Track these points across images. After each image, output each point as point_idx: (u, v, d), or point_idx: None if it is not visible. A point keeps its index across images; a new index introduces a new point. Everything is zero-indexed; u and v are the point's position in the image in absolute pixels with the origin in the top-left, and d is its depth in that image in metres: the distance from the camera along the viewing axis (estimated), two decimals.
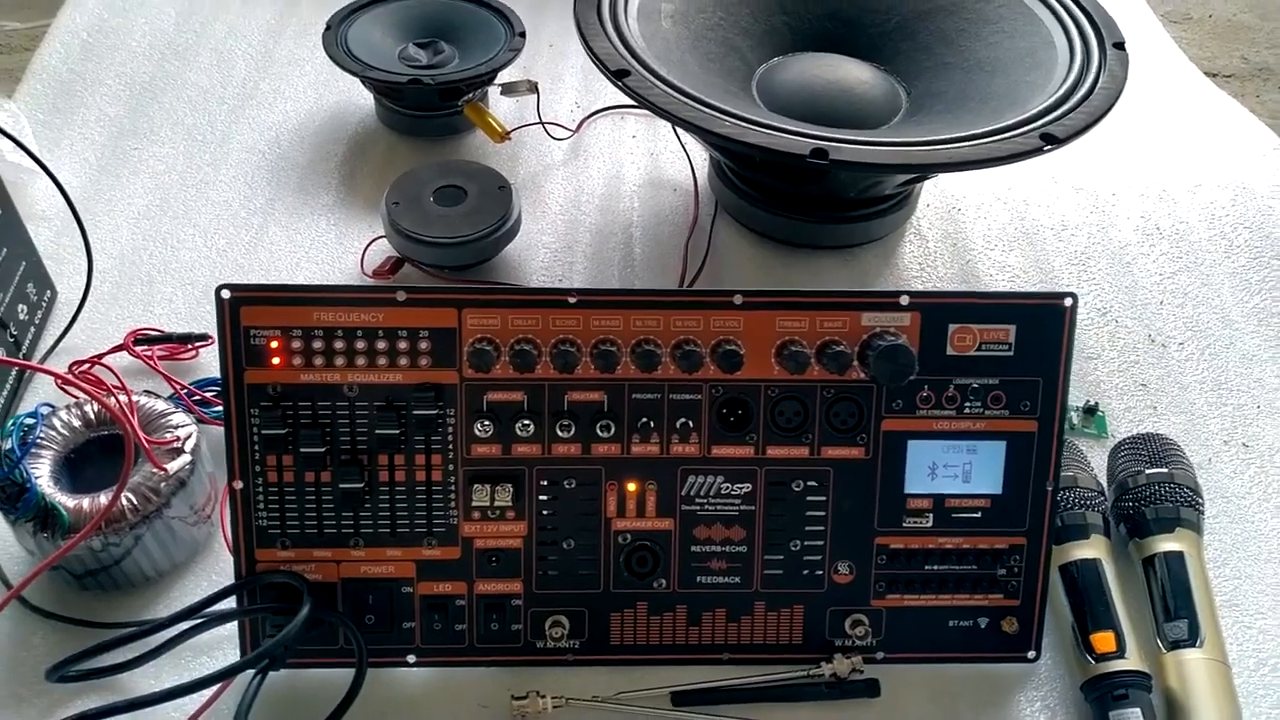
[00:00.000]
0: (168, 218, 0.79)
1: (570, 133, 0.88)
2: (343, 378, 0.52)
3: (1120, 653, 0.53)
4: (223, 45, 0.97)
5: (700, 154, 0.85)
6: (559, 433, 0.52)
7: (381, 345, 0.51)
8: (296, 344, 0.51)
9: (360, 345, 0.51)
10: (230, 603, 0.53)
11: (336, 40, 0.85)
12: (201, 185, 0.83)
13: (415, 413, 0.51)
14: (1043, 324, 0.52)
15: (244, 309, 0.51)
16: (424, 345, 0.51)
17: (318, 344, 0.51)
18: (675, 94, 0.66)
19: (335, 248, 0.77)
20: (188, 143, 0.86)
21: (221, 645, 0.55)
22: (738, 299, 0.52)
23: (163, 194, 0.81)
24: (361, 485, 0.52)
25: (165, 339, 0.69)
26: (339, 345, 0.51)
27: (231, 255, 0.77)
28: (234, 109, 0.90)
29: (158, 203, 0.81)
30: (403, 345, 0.51)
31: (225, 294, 0.51)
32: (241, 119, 0.89)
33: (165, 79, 0.92)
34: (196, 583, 0.58)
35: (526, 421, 0.52)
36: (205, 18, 1.00)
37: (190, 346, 0.69)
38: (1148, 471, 0.60)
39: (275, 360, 0.51)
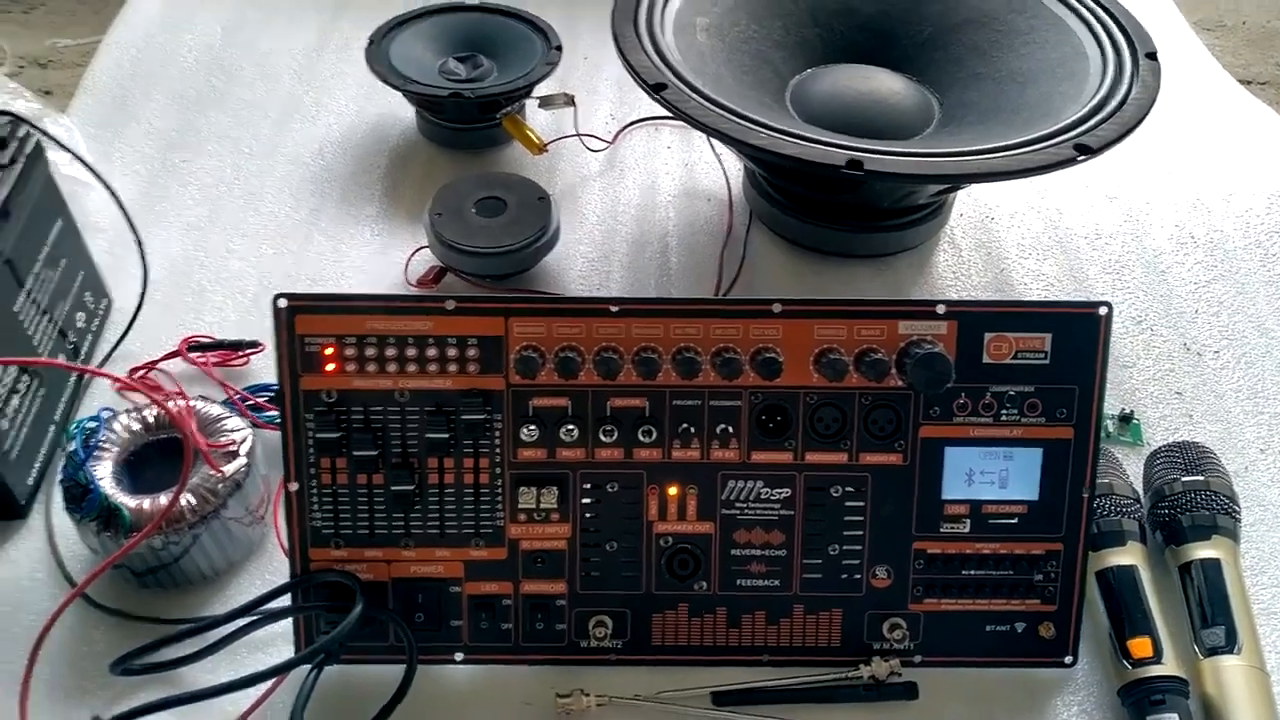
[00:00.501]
0: (217, 228, 0.82)
1: (606, 144, 0.90)
2: (394, 384, 0.53)
3: (1157, 658, 0.53)
4: (268, 60, 0.99)
5: (734, 164, 0.86)
6: (602, 437, 0.54)
7: (431, 352, 0.53)
8: (350, 351, 0.53)
9: (411, 352, 0.53)
10: (285, 600, 0.55)
11: (378, 55, 0.87)
12: (249, 196, 0.85)
13: (464, 417, 0.53)
14: (1078, 332, 0.53)
15: (299, 317, 0.53)
16: (472, 352, 0.53)
17: (370, 351, 0.53)
18: (711, 106, 0.67)
19: (379, 257, 0.79)
20: (235, 155, 0.89)
21: (275, 642, 0.56)
22: (776, 307, 0.53)
23: (212, 205, 0.84)
24: (412, 488, 0.54)
25: (217, 346, 0.71)
26: (390, 352, 0.53)
27: (280, 264, 0.79)
28: (279, 122, 0.92)
29: (207, 214, 0.83)
30: (452, 352, 0.53)
31: (282, 303, 0.53)
32: (287, 132, 0.91)
33: (213, 93, 0.95)
34: (251, 581, 0.60)
35: (571, 426, 0.54)
36: (251, 33, 1.02)
37: (242, 353, 0.71)
38: (1184, 479, 0.60)
39: (329, 367, 0.53)
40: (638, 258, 0.81)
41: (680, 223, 0.84)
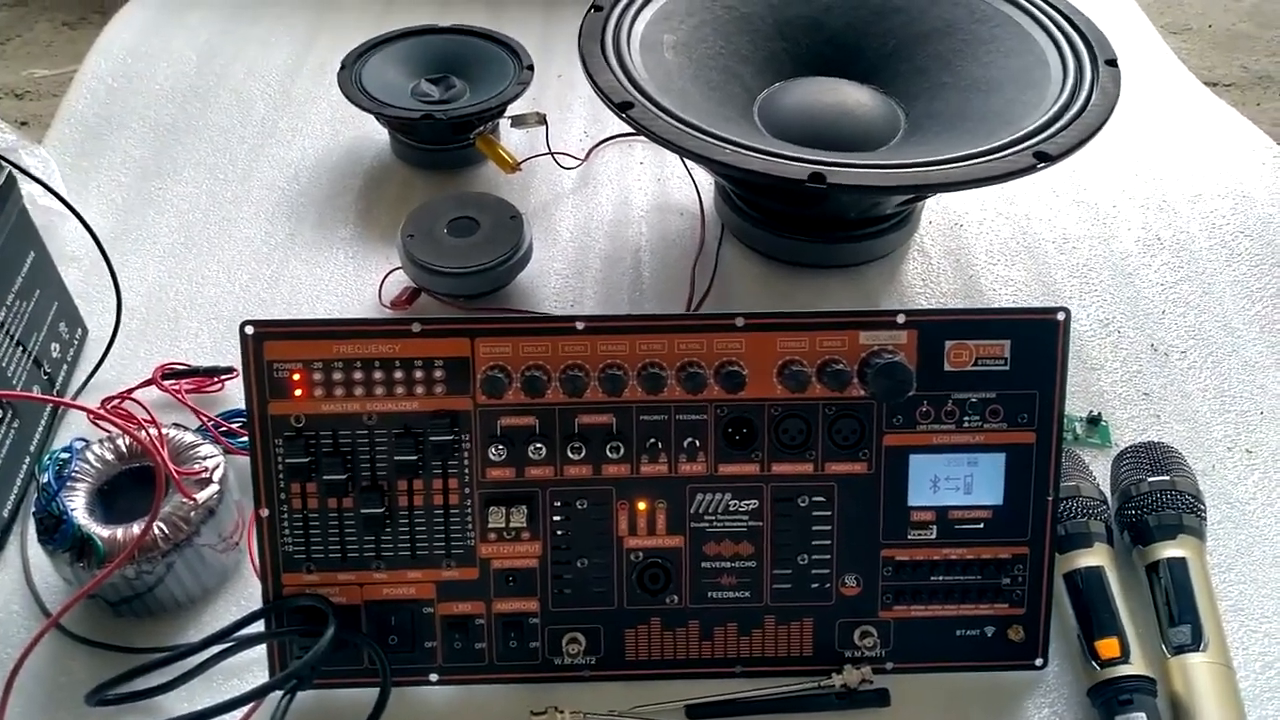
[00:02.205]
0: (193, 255, 0.82)
1: (579, 161, 0.91)
2: (362, 407, 0.54)
3: (1125, 658, 0.54)
4: (242, 86, 1.00)
5: (706, 179, 0.87)
6: (570, 455, 0.54)
7: (399, 375, 0.53)
8: (318, 376, 0.53)
9: (378, 375, 0.53)
10: (259, 626, 0.56)
11: (351, 79, 0.88)
12: (224, 222, 0.85)
13: (432, 439, 0.54)
14: (1037, 338, 0.54)
15: (267, 343, 0.53)
16: (439, 374, 0.53)
17: (338, 375, 0.53)
18: (677, 124, 0.68)
19: (354, 280, 0.80)
20: (210, 181, 0.89)
21: (251, 667, 0.57)
22: (739, 321, 0.54)
23: (187, 232, 0.84)
24: (382, 510, 0.54)
25: (192, 372, 0.71)
26: (358, 376, 0.53)
27: (254, 290, 0.80)
28: (254, 147, 0.93)
29: (183, 240, 0.84)
30: (419, 374, 0.53)
31: (249, 329, 0.53)
32: (261, 157, 0.92)
33: (188, 120, 0.96)
34: (226, 607, 0.61)
35: (538, 445, 0.54)
36: (225, 60, 1.03)
37: (216, 379, 0.71)
38: (1149, 479, 0.61)
39: (298, 392, 0.54)
40: (611, 273, 0.82)
41: (653, 237, 0.85)
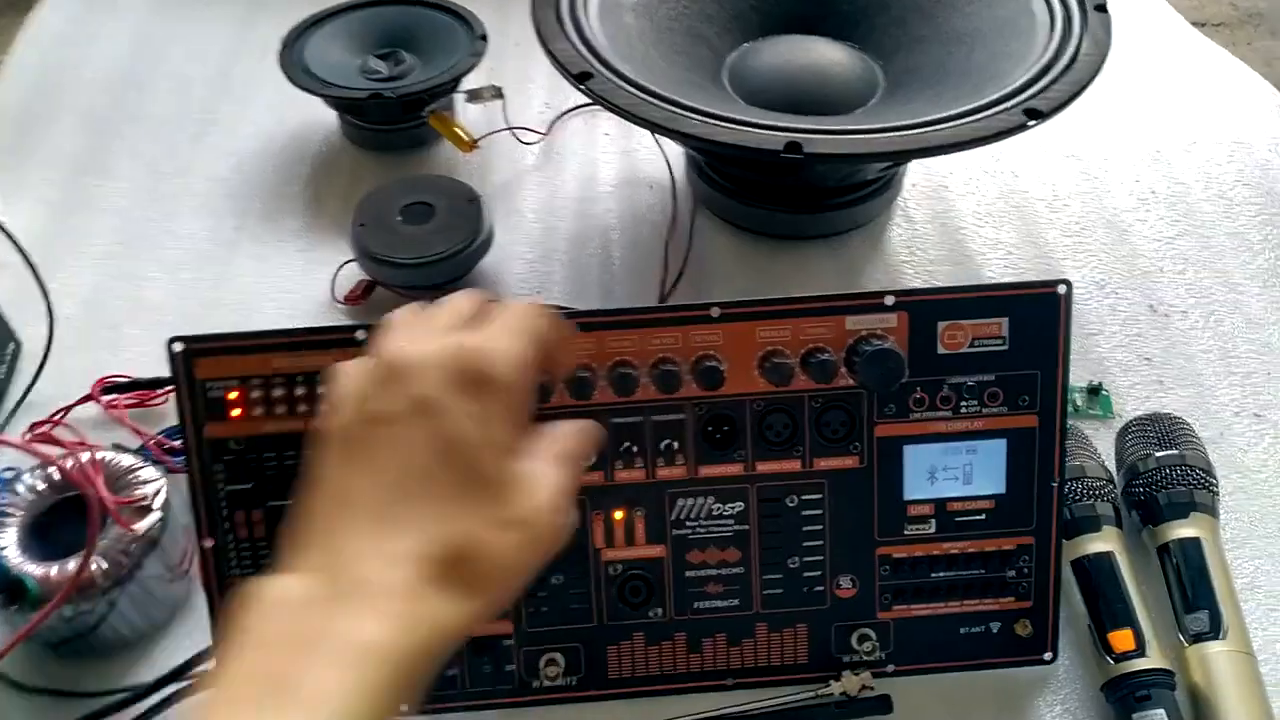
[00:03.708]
0: (131, 256, 0.77)
1: (541, 136, 0.86)
2: (307, 425, 0.49)
3: (1140, 651, 0.51)
4: (179, 70, 0.94)
5: (676, 149, 0.82)
6: None
7: None
8: (256, 394, 0.49)
9: (322, 390, 0.49)
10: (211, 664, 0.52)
11: (293, 58, 0.82)
12: (165, 219, 0.80)
13: None
14: (1037, 314, 0.50)
15: (198, 361, 0.49)
16: None
17: (278, 392, 0.49)
18: (640, 94, 0.63)
19: (305, 275, 0.75)
20: (149, 176, 0.84)
21: None
22: (715, 311, 0.49)
23: (125, 232, 0.79)
24: None
25: (134, 385, 0.66)
26: (300, 392, 0.49)
27: (199, 292, 0.75)
28: (195, 137, 0.87)
29: (120, 241, 0.78)
30: None
31: (177, 347, 0.49)
32: (203, 147, 0.86)
33: (123, 111, 0.90)
34: (179, 642, 0.56)
35: None
36: (160, 45, 0.97)
37: (160, 392, 0.66)
38: (1157, 454, 0.57)
39: (235, 412, 0.49)
40: (579, 255, 0.77)
41: (622, 214, 0.80)
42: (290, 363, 0.49)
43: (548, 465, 0.40)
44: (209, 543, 0.50)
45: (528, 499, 0.38)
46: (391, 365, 0.38)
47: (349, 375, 0.40)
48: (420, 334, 0.40)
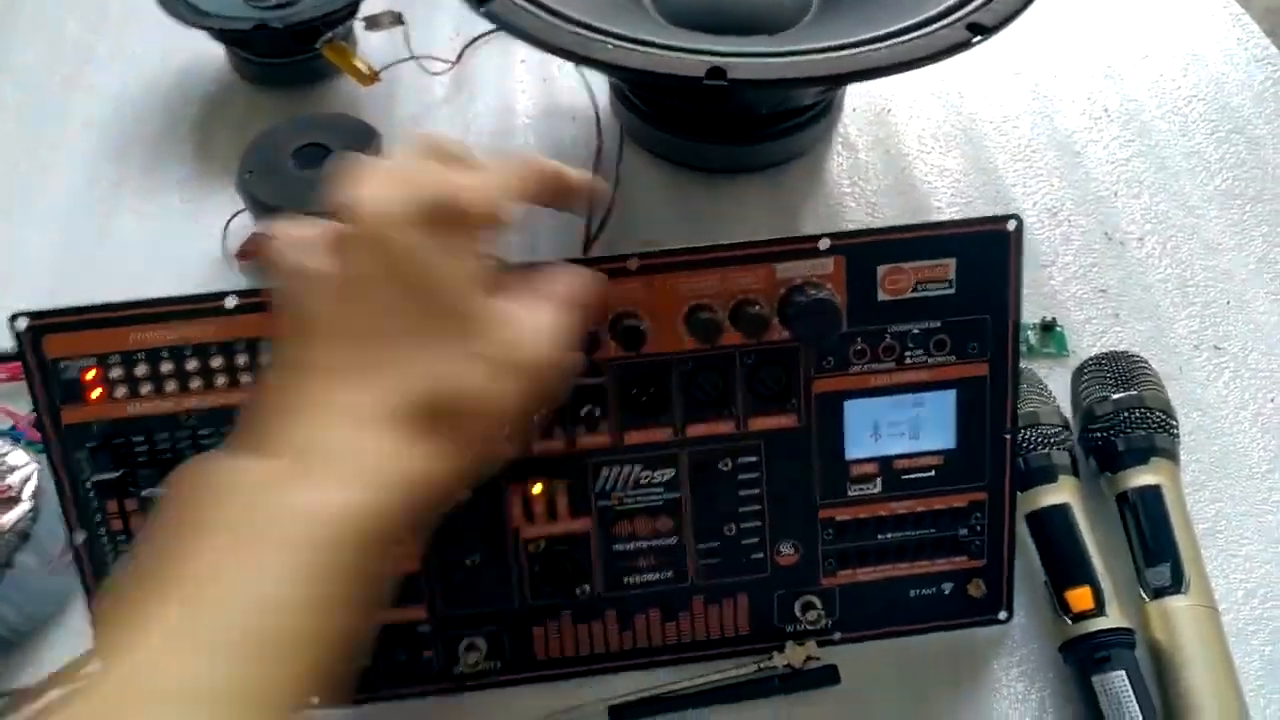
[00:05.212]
0: (1, 214, 0.70)
1: (450, 65, 0.79)
2: (177, 405, 0.44)
3: (1099, 609, 0.47)
4: (46, 9, 0.85)
5: (599, 77, 0.76)
6: None
7: (217, 363, 0.43)
8: (116, 372, 0.43)
9: (192, 365, 0.43)
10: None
11: None
12: (38, 173, 0.72)
13: None
14: (985, 253, 0.45)
15: (48, 338, 0.43)
16: (266, 358, 0.43)
17: (141, 370, 0.43)
18: (549, 17, 0.57)
19: (193, 229, 0.68)
20: (18, 125, 0.76)
21: None
22: (633, 263, 0.44)
23: None
24: None
25: (2, 359, 0.60)
26: (166, 369, 0.43)
27: (78, 250, 0.68)
28: (67, 80, 0.79)
29: None
30: (241, 360, 0.43)
31: (21, 323, 0.43)
32: (78, 90, 0.78)
33: None
34: (64, 638, 0.51)
35: None
36: None
37: None
38: (1114, 396, 0.54)
39: (94, 393, 0.43)
40: None
41: (543, 149, 0.74)
42: (153, 336, 0.43)
43: (535, 301, 0.36)
44: (80, 536, 0.45)
45: (509, 331, 0.34)
46: (347, 220, 0.34)
47: (290, 243, 0.35)
48: (381, 180, 0.35)
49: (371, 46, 0.78)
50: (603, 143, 0.73)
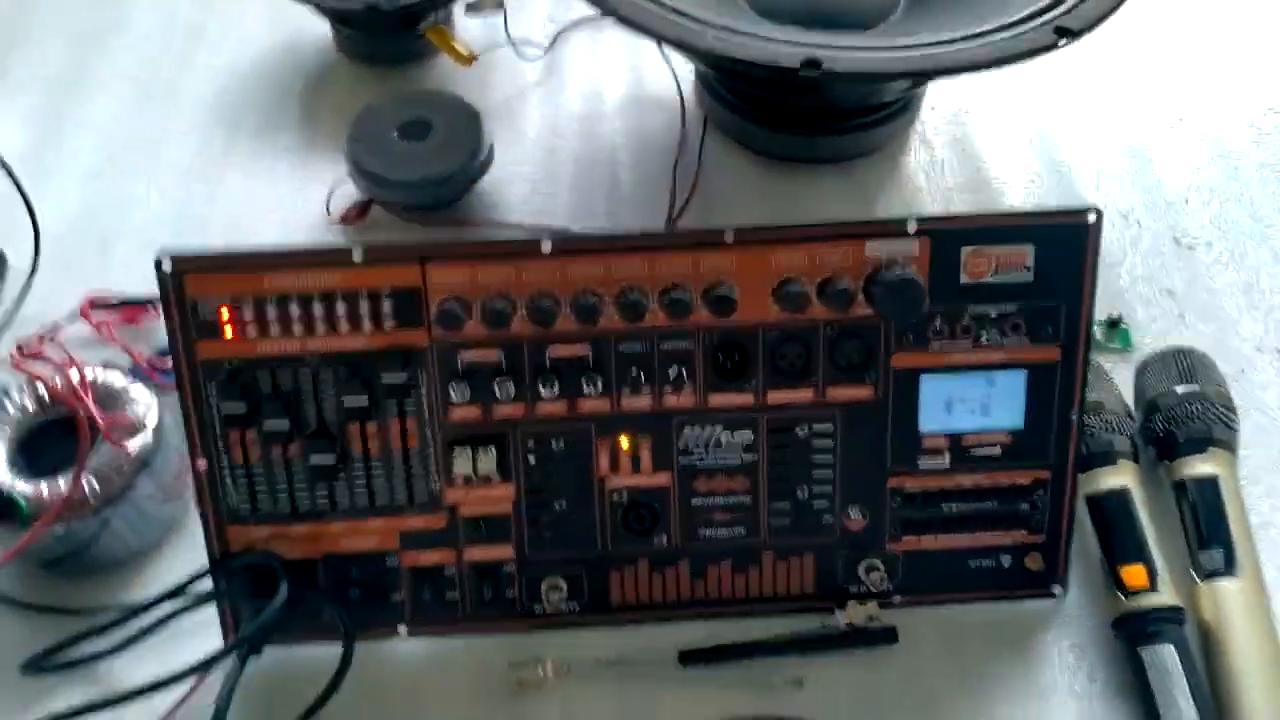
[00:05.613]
0: (119, 175, 0.74)
1: (543, 50, 0.82)
2: (302, 347, 0.47)
3: (1152, 587, 0.50)
4: None
5: (685, 65, 0.79)
6: (542, 391, 0.49)
7: (341, 310, 0.47)
8: (249, 314, 0.47)
9: (318, 311, 0.47)
10: (208, 583, 0.51)
11: None
12: (152, 139, 0.77)
13: (383, 379, 0.48)
14: (1064, 243, 0.48)
15: (189, 278, 0.47)
16: (387, 307, 0.47)
17: (272, 313, 0.47)
18: (650, 5, 0.60)
19: (298, 194, 0.72)
20: (134, 94, 0.81)
21: (207, 626, 0.52)
22: (729, 236, 0.47)
23: (111, 150, 0.76)
24: (333, 458, 0.49)
25: (123, 303, 0.64)
26: (295, 313, 0.47)
27: (190, 210, 0.72)
28: (182, 53, 0.84)
29: (106, 159, 0.75)
30: (364, 308, 0.47)
31: (166, 265, 0.47)
32: (190, 63, 0.83)
33: (105, 27, 0.86)
34: (173, 562, 0.55)
35: (506, 381, 0.48)
36: None
37: (152, 308, 0.64)
38: (1177, 389, 0.56)
39: (228, 332, 0.47)
40: (583, 177, 0.74)
41: (629, 134, 0.77)
42: (285, 282, 0.47)
43: None
44: (202, 464, 0.49)
45: None
46: None
47: None
48: None
49: (468, 31, 0.82)
50: (687, 130, 0.76)
